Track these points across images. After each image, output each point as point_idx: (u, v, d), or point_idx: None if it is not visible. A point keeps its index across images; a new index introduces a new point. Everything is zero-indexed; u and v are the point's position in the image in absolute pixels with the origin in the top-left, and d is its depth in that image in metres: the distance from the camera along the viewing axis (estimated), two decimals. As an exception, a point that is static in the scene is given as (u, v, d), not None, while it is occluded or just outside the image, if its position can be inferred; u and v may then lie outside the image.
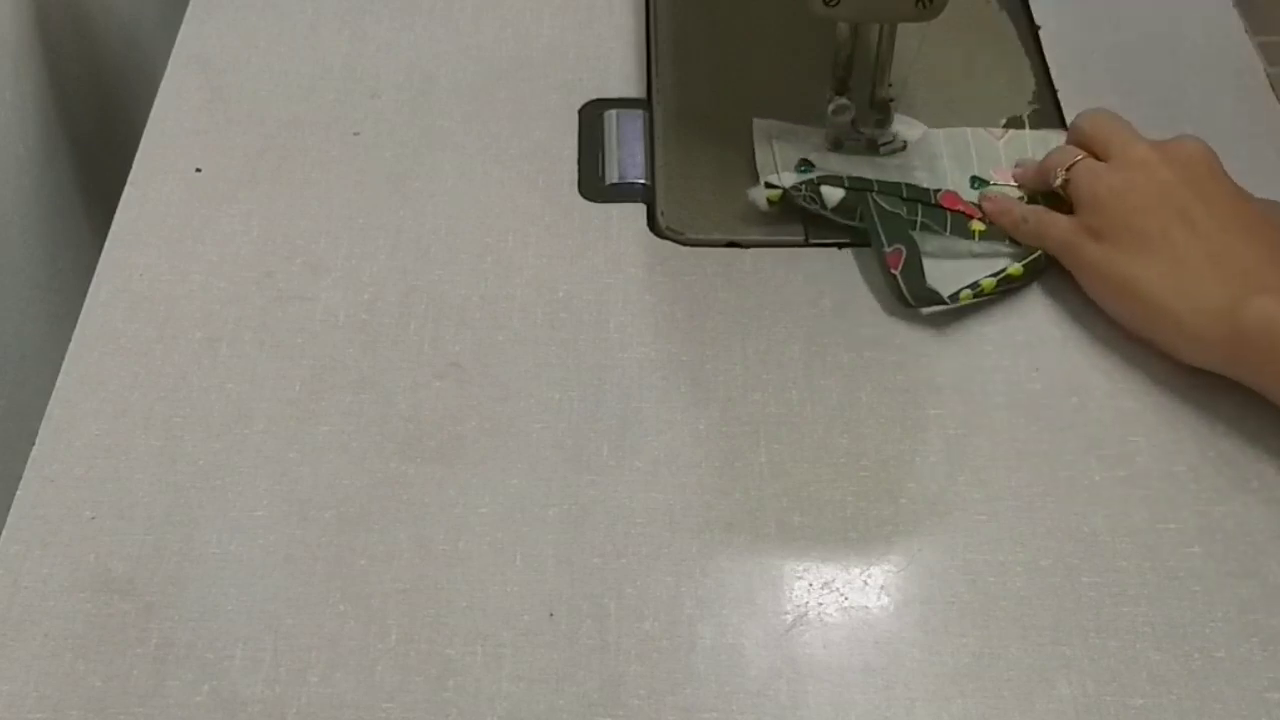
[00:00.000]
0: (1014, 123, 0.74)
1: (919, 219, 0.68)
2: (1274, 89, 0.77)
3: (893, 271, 0.66)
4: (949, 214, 0.68)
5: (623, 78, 0.79)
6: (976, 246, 0.68)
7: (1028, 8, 0.82)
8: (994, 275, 0.66)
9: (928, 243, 0.67)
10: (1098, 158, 0.67)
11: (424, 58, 0.80)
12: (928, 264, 0.66)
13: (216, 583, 0.58)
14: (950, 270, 0.67)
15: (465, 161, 0.74)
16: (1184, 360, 0.62)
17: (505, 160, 0.74)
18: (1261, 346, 0.59)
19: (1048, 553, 0.58)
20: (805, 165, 0.71)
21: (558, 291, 0.68)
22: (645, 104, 0.77)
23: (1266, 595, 0.57)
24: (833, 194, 0.68)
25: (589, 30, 0.81)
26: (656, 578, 0.58)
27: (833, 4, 0.65)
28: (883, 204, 0.68)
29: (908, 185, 0.69)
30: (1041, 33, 0.81)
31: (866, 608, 0.57)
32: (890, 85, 0.76)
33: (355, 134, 0.75)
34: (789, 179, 0.70)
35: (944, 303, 0.65)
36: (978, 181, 0.71)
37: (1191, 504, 0.60)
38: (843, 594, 0.57)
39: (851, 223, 0.69)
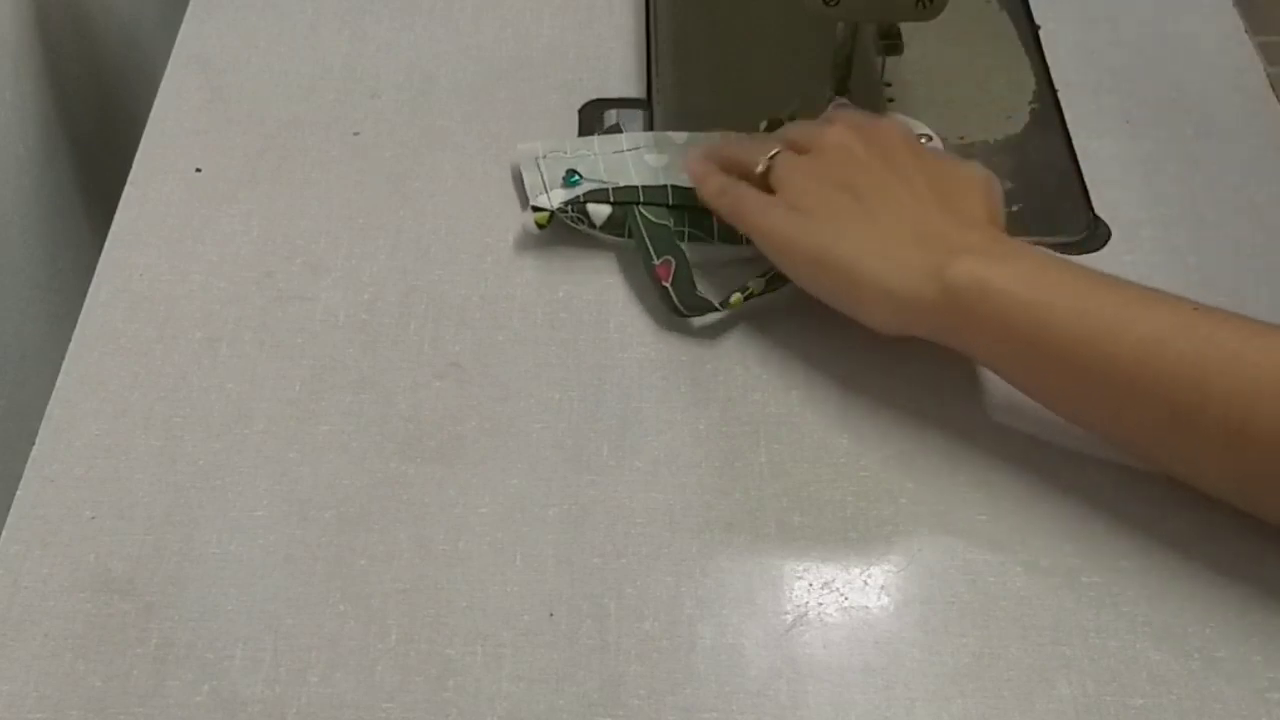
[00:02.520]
0: (774, 124, 0.73)
1: (686, 229, 0.68)
2: (1274, 89, 0.77)
3: (663, 284, 0.66)
4: (716, 220, 0.68)
5: (623, 78, 0.79)
6: (745, 250, 0.67)
7: (1028, 8, 0.82)
8: (762, 276, 0.66)
9: (696, 253, 0.67)
10: None
11: (424, 58, 0.80)
12: (697, 273, 0.66)
13: (216, 583, 0.58)
14: (719, 277, 0.67)
15: (465, 161, 0.74)
16: (886, 330, 0.62)
17: (505, 160, 0.74)
18: (967, 305, 0.59)
19: (1048, 553, 0.58)
20: (572, 175, 0.70)
21: (558, 291, 0.68)
22: (645, 104, 0.77)
23: (1266, 595, 0.57)
24: (599, 211, 0.68)
25: (589, 30, 0.81)
26: (656, 578, 0.58)
27: (833, 4, 0.65)
28: (649, 215, 0.68)
29: (674, 188, 0.69)
30: (1041, 33, 0.81)
31: (866, 608, 0.57)
32: (890, 85, 0.76)
33: (355, 134, 0.75)
34: (558, 197, 0.69)
35: (715, 309, 0.66)
36: None
37: (1191, 504, 0.59)
38: (843, 594, 0.57)
39: (619, 238, 0.69)
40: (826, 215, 0.63)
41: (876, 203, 0.62)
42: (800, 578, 0.58)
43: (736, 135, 0.72)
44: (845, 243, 0.62)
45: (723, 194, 0.67)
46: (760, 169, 0.67)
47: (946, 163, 0.65)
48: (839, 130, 0.65)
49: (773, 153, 0.67)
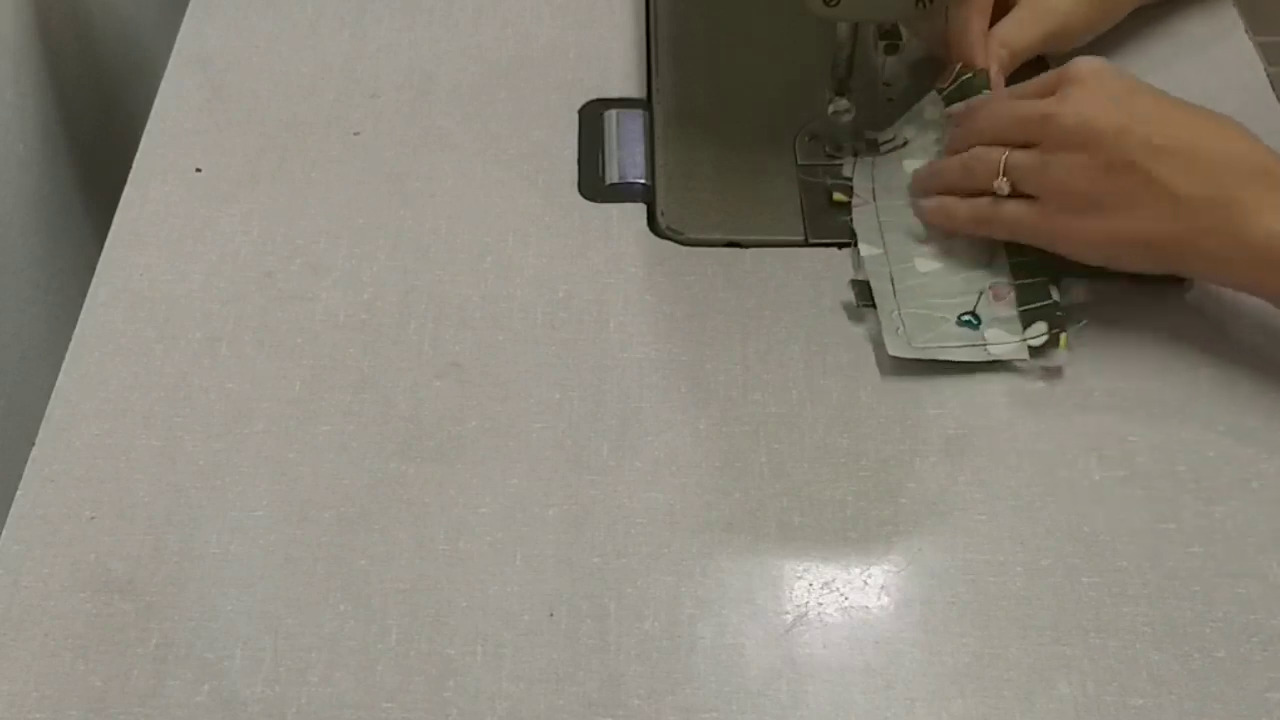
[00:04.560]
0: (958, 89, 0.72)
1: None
2: (1274, 89, 0.77)
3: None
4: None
5: (623, 78, 0.79)
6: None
7: (1028, 8, 0.82)
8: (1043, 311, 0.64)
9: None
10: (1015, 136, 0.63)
11: (424, 58, 0.80)
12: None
13: (216, 583, 0.58)
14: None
15: (465, 161, 0.74)
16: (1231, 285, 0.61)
17: (505, 160, 0.74)
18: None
19: (1048, 553, 0.58)
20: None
21: (558, 291, 0.68)
22: (645, 104, 0.77)
23: (1266, 595, 0.57)
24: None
25: (589, 30, 0.81)
26: (656, 578, 0.58)
27: (833, 4, 0.65)
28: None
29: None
30: (1041, 33, 0.81)
31: (866, 608, 0.57)
32: (889, 85, 0.76)
33: (355, 134, 0.75)
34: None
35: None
36: None
37: (1191, 504, 0.60)
38: (843, 594, 0.57)
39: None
40: (1128, 205, 0.60)
41: (1168, 160, 0.60)
42: (800, 578, 0.58)
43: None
44: (1157, 226, 0.60)
45: (985, 222, 0.63)
46: (1005, 190, 0.62)
47: (1177, 100, 0.62)
48: (1058, 106, 0.61)
49: (1000, 161, 0.62)
